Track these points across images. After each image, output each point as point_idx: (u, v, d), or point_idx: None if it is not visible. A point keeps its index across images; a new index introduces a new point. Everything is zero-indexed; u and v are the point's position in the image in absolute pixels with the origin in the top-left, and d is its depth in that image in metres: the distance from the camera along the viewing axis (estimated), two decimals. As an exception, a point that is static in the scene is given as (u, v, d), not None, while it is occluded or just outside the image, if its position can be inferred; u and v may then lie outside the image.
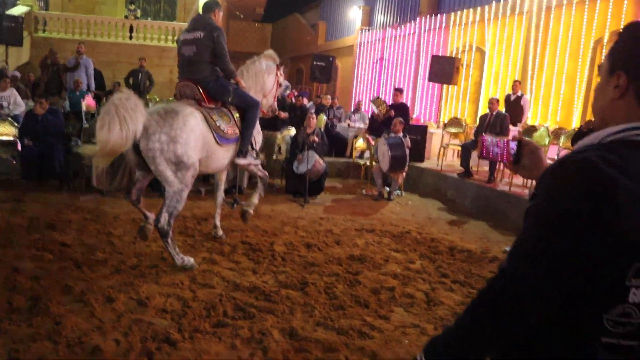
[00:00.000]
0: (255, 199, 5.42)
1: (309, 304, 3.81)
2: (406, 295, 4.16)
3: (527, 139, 1.54)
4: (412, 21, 14.61)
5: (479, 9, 11.63)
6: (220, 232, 5.38)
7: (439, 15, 13.36)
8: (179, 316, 3.46)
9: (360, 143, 9.42)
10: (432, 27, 13.53)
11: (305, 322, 3.52)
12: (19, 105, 7.74)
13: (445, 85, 12.46)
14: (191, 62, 4.74)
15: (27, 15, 14.15)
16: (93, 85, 10.19)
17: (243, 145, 4.92)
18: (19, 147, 7.04)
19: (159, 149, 4.15)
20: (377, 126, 9.26)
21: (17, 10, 13.88)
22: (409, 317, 3.78)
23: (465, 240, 5.96)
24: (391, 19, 16.66)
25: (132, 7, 15.56)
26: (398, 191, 8.26)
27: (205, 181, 8.00)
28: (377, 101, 9.36)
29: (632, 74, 1.10)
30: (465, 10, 12.16)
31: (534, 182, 1.29)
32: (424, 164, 9.20)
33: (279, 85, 5.63)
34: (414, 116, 14.15)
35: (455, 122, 9.70)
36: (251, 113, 4.95)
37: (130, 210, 5.71)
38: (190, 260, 4.42)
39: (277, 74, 5.47)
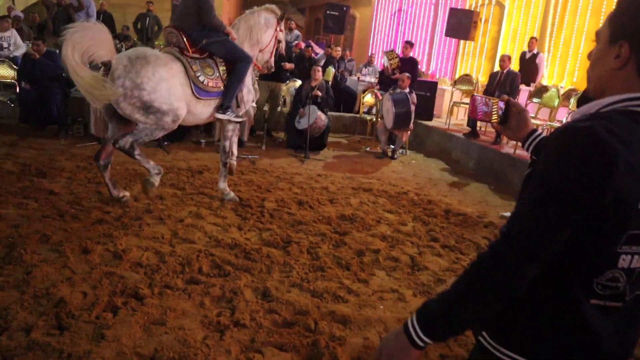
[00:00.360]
0: (222, 184, 5.02)
1: (288, 264, 3.73)
2: (391, 258, 4.06)
3: (514, 100, 1.56)
4: (433, -30, 13.87)
5: (502, -42, 10.94)
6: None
7: (460, -36, 12.63)
8: (153, 271, 3.41)
9: (368, 98, 9.16)
10: (453, -23, 12.84)
11: (280, 282, 3.45)
12: (20, 46, 7.60)
13: (462, 41, 11.98)
14: (180, 12, 4.58)
15: (35, -47, 13.80)
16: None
17: (226, 99, 4.72)
18: (18, 90, 6.96)
19: (122, 94, 4.06)
20: (387, 81, 8.95)
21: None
22: (390, 281, 3.68)
23: (463, 204, 5.80)
24: (412, -33, 15.83)
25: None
26: (403, 149, 8.05)
27: (206, 132, 7.89)
28: (390, 54, 8.97)
29: (636, 44, 1.07)
30: (487, -40, 11.46)
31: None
32: (433, 123, 8.92)
33: (279, 41, 5.36)
34: (429, 72, 13.71)
35: (465, 79, 9.32)
36: (239, 67, 4.70)
37: (125, 159, 5.60)
38: (157, 179, 4.42)
39: (276, 29, 5.19)
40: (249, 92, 5.09)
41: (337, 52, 10.12)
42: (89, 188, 4.98)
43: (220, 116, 4.78)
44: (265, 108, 8.49)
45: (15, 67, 7.06)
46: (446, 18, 11.11)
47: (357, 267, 3.82)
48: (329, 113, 8.33)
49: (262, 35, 5.04)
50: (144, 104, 4.11)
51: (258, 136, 8.17)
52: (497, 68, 10.30)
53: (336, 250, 4.08)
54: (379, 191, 5.92)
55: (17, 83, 6.96)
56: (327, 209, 5.11)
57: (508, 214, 5.50)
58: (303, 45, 10.22)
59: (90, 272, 3.30)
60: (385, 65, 8.77)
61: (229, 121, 4.87)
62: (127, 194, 4.71)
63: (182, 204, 4.79)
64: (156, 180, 4.42)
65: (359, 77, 10.40)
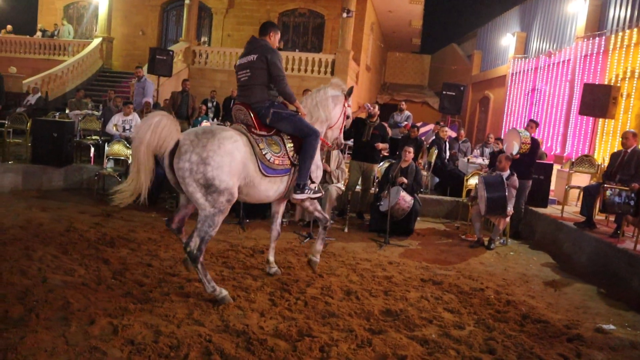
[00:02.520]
0: (318, 246, 4.97)
1: (286, 361, 3.28)
2: (418, 369, 3.36)
3: None
4: (568, 47, 12.86)
5: (644, 28, 9.70)
6: (275, 269, 5.05)
7: (596, 38, 11.51)
8: (138, 351, 3.23)
9: (472, 181, 8.38)
10: (589, 52, 11.71)
11: (262, 382, 3.01)
12: (140, 129, 8.52)
13: (600, 119, 10.64)
14: (245, 87, 4.56)
15: (186, 50, 15.96)
16: (149, 101, 10.08)
17: (300, 178, 4.55)
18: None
19: (188, 169, 4.00)
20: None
21: (178, 46, 15.73)
22: (399, 399, 3.00)
23: (552, 308, 4.75)
24: (547, 45, 14.90)
25: (276, 40, 16.48)
26: (503, 239, 7.08)
27: (286, 211, 7.80)
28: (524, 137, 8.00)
29: None
30: (627, 31, 10.25)
31: None
32: (547, 210, 7.78)
33: (347, 117, 5.19)
34: (565, 154, 12.36)
35: (586, 160, 8.06)
36: (308, 143, 4.55)
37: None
38: (223, 292, 4.18)
39: (344, 105, 5.05)
40: (318, 168, 4.90)
41: (445, 132, 9.60)
42: (143, 260, 5.11)
43: (298, 196, 4.62)
44: (358, 189, 8.26)
45: (129, 145, 7.86)
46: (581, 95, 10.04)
47: (367, 376, 3.21)
48: (422, 196, 7.78)
49: (330, 112, 4.91)
50: (207, 181, 4.02)
51: (346, 219, 7.87)
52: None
53: (354, 352, 3.51)
54: (450, 285, 5.15)
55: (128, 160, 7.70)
56: (375, 301, 4.53)
57: (610, 326, 4.36)
58: (410, 127, 9.91)
59: (78, 344, 3.23)
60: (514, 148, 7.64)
61: (303, 200, 4.72)
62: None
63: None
64: (219, 292, 4.17)
65: (468, 159, 9.67)
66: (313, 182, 4.75)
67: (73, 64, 16.13)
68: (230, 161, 4.11)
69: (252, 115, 4.48)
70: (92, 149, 8.71)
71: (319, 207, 4.93)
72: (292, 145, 4.56)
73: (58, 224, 6.08)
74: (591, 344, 3.97)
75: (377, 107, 8.12)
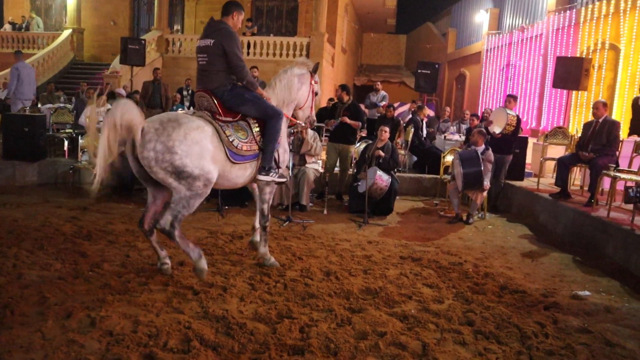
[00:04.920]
0: (262, 249, 4.87)
1: (266, 344, 3.29)
2: (396, 344, 3.40)
3: None
4: (540, 21, 12.93)
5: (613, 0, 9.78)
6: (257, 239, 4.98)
7: (567, 11, 11.59)
8: (117, 341, 3.21)
9: (449, 158, 8.44)
10: (561, 25, 11.80)
11: (242, 365, 3.02)
12: (113, 120, 8.37)
13: (574, 92, 10.77)
14: (204, 72, 4.47)
15: (159, 39, 15.67)
16: (25, 93, 9.83)
17: (265, 161, 4.52)
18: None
19: (154, 158, 3.94)
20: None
21: (150, 35, 15.44)
22: (379, 374, 3.04)
23: (529, 278, 4.84)
24: (520, 20, 14.98)
25: (249, 24, 16.28)
26: (480, 213, 7.17)
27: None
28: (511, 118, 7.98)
29: None
30: (597, 3, 10.34)
31: None
32: (523, 183, 7.89)
33: (315, 94, 5.16)
34: (540, 127, 12.52)
35: (559, 132, 8.17)
36: (271, 125, 4.51)
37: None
38: (204, 263, 4.22)
39: (311, 83, 5.01)
40: (285, 151, 4.88)
41: (424, 113, 9.62)
42: (121, 251, 5.06)
43: (263, 178, 4.58)
44: (336, 171, 8.28)
45: (102, 138, 7.72)
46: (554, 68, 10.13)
47: (347, 353, 3.24)
48: (400, 175, 7.81)
49: (297, 92, 4.85)
50: (176, 169, 3.98)
51: (325, 200, 7.89)
52: (616, 118, 8.99)
53: (334, 331, 3.53)
54: (429, 261, 5.21)
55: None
56: (355, 280, 4.57)
57: (585, 293, 4.46)
58: (386, 107, 9.90)
59: (55, 338, 3.20)
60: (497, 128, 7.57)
61: (268, 183, 4.68)
62: (169, 263, 4.54)
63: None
64: (203, 264, 4.24)
65: (445, 137, 9.73)
66: (279, 167, 4.72)
67: (43, 56, 15.75)
68: (200, 150, 4.07)
69: (215, 101, 4.40)
70: (66, 142, 8.56)
71: (269, 202, 4.82)
72: (258, 129, 4.52)
73: (33, 220, 5.97)
74: (567, 310, 4.06)
75: (339, 90, 8.23)
